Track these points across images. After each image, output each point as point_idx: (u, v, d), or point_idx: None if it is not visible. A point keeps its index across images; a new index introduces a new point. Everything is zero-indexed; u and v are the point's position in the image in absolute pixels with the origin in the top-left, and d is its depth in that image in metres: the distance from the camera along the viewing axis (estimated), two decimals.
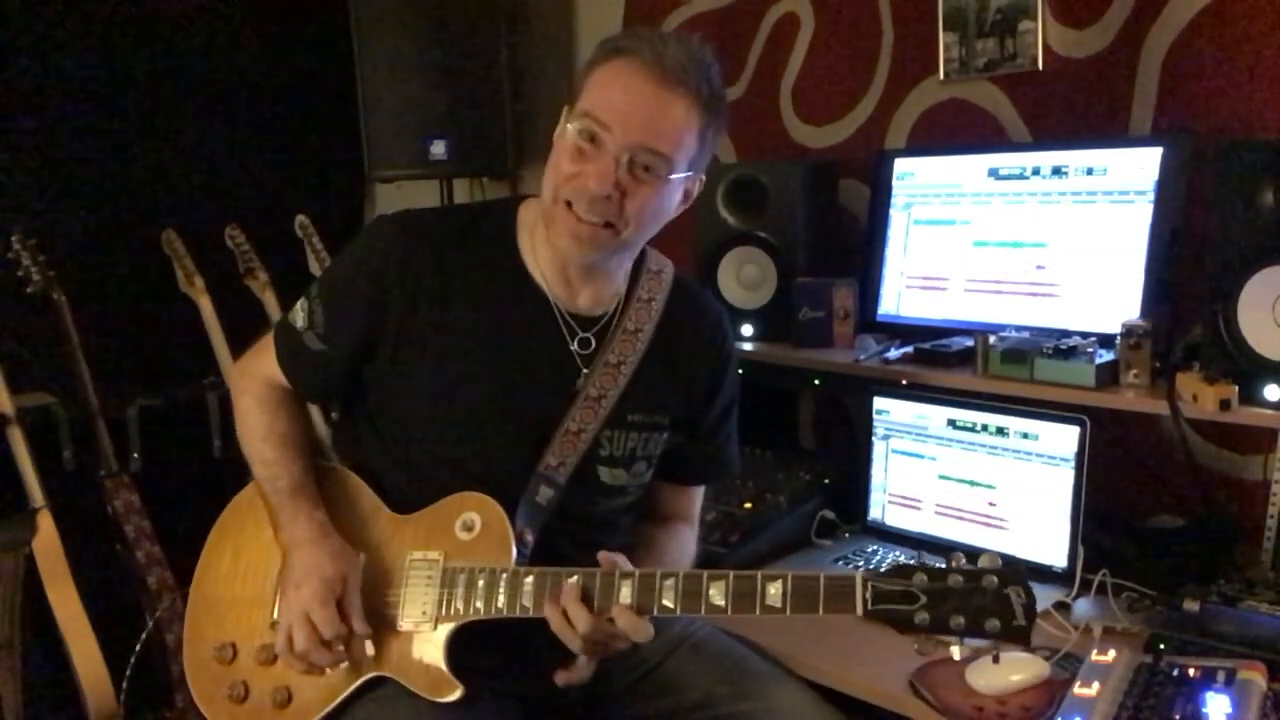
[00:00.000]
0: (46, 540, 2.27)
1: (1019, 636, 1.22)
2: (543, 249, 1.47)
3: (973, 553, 1.25)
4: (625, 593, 1.31)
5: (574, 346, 1.47)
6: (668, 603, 1.30)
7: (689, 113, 1.37)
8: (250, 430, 1.54)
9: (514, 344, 1.45)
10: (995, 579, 1.22)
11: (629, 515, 1.57)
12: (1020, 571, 1.23)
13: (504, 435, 1.44)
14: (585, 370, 1.46)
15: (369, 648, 1.39)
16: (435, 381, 1.44)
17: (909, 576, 1.25)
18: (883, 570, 1.28)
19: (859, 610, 1.25)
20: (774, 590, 1.27)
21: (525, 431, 1.44)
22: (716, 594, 1.29)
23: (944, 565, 1.25)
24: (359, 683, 1.39)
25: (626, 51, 1.38)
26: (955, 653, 1.24)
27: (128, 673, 2.18)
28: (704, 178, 1.49)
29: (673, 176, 1.39)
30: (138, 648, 2.21)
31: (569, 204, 1.38)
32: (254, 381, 1.55)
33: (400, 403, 1.47)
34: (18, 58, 2.76)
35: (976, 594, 1.22)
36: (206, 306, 2.63)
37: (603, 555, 1.35)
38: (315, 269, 2.76)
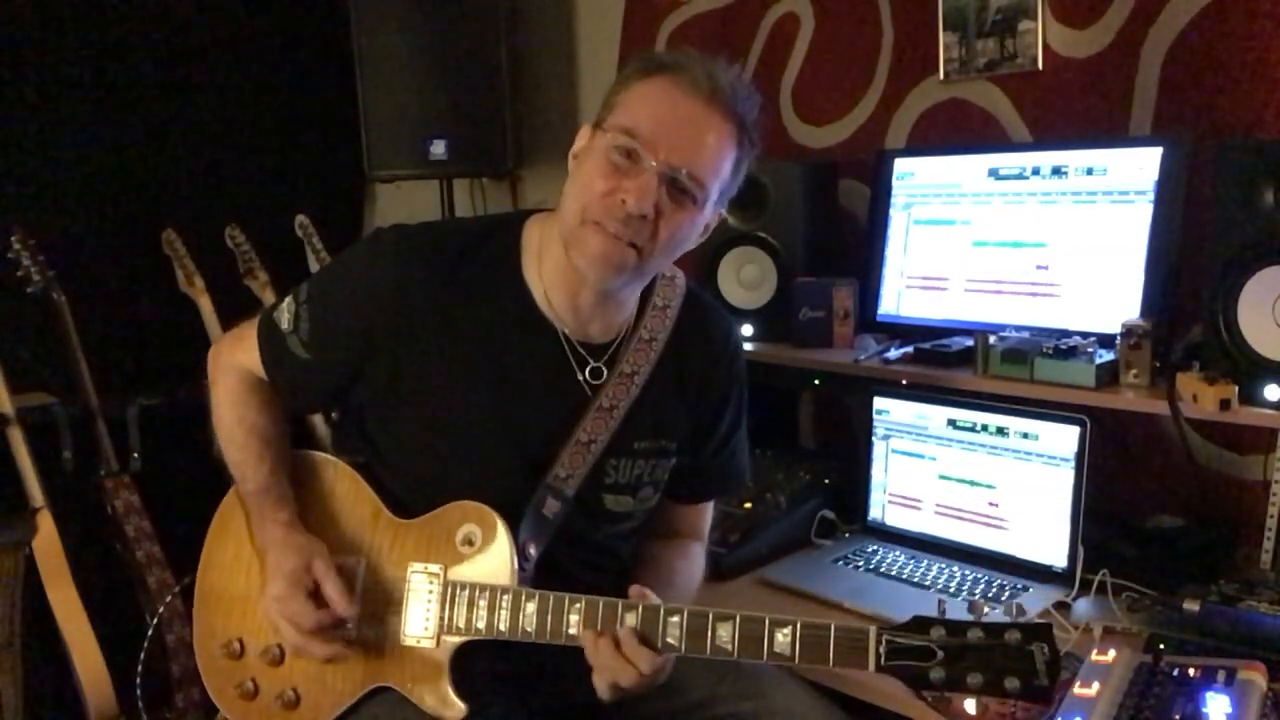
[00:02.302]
0: (46, 540, 2.26)
1: (1040, 696, 1.16)
2: (551, 274, 1.42)
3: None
4: (630, 624, 1.28)
5: (582, 376, 1.43)
6: (672, 640, 1.27)
7: (730, 139, 1.34)
8: (221, 424, 1.51)
9: (519, 373, 1.41)
10: (1019, 634, 1.16)
11: (633, 539, 1.55)
12: (1046, 626, 1.17)
13: (509, 450, 1.41)
14: (593, 394, 1.43)
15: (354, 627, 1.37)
16: (434, 410, 1.41)
17: (926, 630, 1.19)
18: (899, 623, 1.21)
19: (871, 666, 1.20)
20: (782, 637, 1.23)
21: (532, 444, 1.41)
22: (724, 636, 1.25)
23: (964, 619, 1.20)
24: (366, 690, 1.39)
25: (673, 68, 1.33)
26: (970, 707, 1.21)
27: (138, 680, 2.18)
28: (723, 212, 1.44)
29: (706, 205, 1.36)
30: (143, 654, 2.20)
31: (598, 224, 1.32)
32: (228, 372, 1.52)
33: (396, 424, 1.44)
34: (17, 57, 2.76)
35: (997, 651, 1.16)
36: (206, 306, 2.63)
37: (634, 589, 1.32)
38: (315, 269, 2.75)
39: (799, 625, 1.23)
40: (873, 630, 1.20)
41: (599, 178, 1.32)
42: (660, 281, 1.50)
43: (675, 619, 1.27)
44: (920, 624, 1.20)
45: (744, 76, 1.37)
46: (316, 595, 1.36)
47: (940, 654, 1.18)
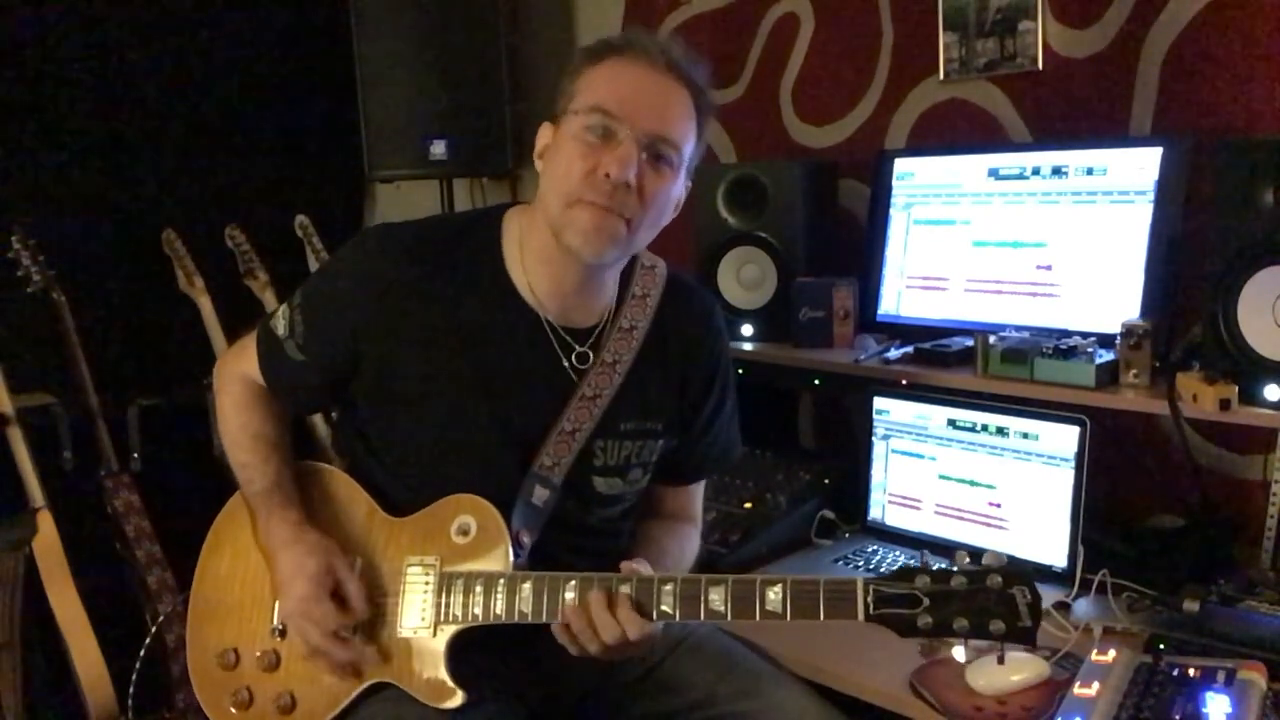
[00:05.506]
0: (46, 540, 2.27)
1: (1024, 637, 1.20)
2: (533, 262, 1.44)
3: (976, 552, 1.25)
4: (625, 592, 1.30)
5: (569, 361, 1.45)
6: (666, 607, 1.29)
7: (691, 105, 1.40)
8: (227, 430, 1.54)
9: (504, 360, 1.43)
10: (1000, 579, 1.20)
11: (626, 522, 1.56)
12: (1025, 571, 1.22)
13: (497, 440, 1.42)
14: (579, 379, 1.45)
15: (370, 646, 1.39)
16: (423, 401, 1.42)
17: (911, 579, 1.23)
18: (885, 573, 1.25)
19: (860, 616, 1.24)
20: (773, 595, 1.26)
21: (518, 434, 1.43)
22: (716, 599, 1.28)
23: (947, 566, 1.24)
24: (362, 687, 1.39)
25: (624, 48, 1.39)
26: (959, 654, 1.24)
27: (134, 679, 2.18)
28: (690, 183, 1.48)
29: (681, 170, 1.40)
30: (141, 655, 2.20)
31: (585, 202, 1.35)
32: (232, 381, 1.55)
33: (388, 419, 1.46)
34: (18, 57, 2.76)
35: (980, 595, 1.21)
36: (206, 306, 2.64)
37: (624, 565, 1.34)
38: (315, 269, 2.76)
39: (789, 582, 1.27)
40: (860, 580, 1.25)
41: (577, 159, 1.35)
42: (640, 271, 1.52)
43: (669, 587, 1.30)
44: (905, 573, 1.25)
45: (689, 49, 1.43)
46: (336, 598, 1.37)
47: (926, 601, 1.22)
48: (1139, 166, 1.82)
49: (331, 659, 1.38)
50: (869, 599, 1.24)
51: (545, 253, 1.42)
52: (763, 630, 1.56)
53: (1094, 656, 1.41)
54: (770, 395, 2.26)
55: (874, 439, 2.01)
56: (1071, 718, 1.27)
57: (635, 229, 1.38)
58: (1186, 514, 1.87)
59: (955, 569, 1.23)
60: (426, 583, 1.38)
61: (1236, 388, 1.53)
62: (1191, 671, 1.35)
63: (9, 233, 2.47)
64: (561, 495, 1.43)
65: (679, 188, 1.43)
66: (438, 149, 2.80)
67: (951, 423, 1.90)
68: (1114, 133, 1.97)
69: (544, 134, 1.44)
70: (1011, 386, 1.77)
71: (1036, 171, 1.95)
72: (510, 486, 1.41)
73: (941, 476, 1.92)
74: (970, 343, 1.85)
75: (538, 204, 1.43)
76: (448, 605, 1.37)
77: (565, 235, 1.37)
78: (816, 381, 2.10)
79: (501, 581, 1.35)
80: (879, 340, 2.03)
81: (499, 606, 1.34)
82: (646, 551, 1.49)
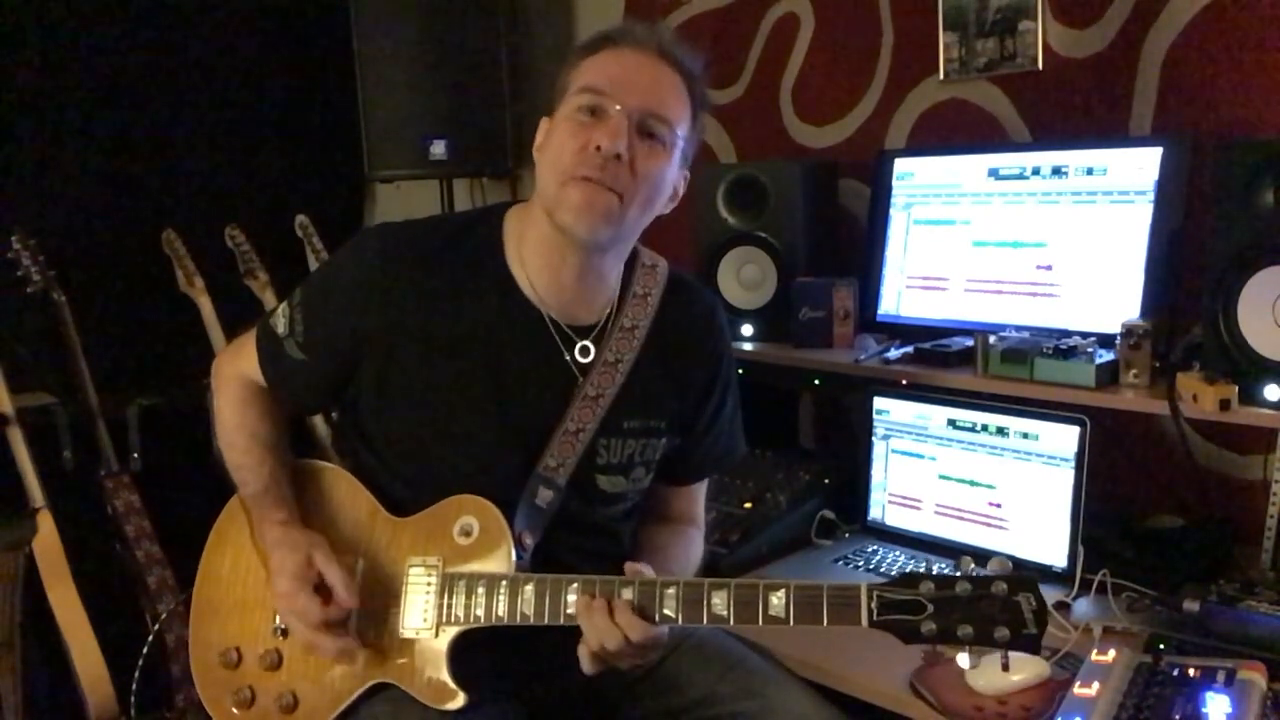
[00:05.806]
0: (46, 540, 2.27)
1: (1029, 645, 1.19)
2: (532, 258, 1.44)
3: (981, 555, 1.24)
4: (627, 597, 1.30)
5: (571, 356, 1.44)
6: (669, 611, 1.29)
7: (683, 90, 1.41)
8: (223, 430, 1.53)
9: (506, 358, 1.43)
10: (1005, 585, 1.19)
11: (629, 521, 1.56)
12: (1031, 578, 1.21)
13: (500, 440, 1.42)
14: (582, 376, 1.44)
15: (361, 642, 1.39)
16: (424, 400, 1.42)
17: (915, 585, 1.22)
18: (888, 579, 1.24)
19: (864, 622, 1.23)
20: (776, 600, 1.26)
21: (522, 434, 1.42)
22: (719, 603, 1.27)
23: (951, 572, 1.23)
24: (364, 688, 1.39)
25: (617, 38, 1.41)
26: (963, 661, 1.23)
27: (134, 679, 2.18)
28: (688, 174, 1.48)
29: (675, 150, 1.40)
30: (143, 655, 2.20)
31: (577, 179, 1.35)
32: (229, 380, 1.54)
33: (390, 418, 1.45)
34: (18, 57, 2.76)
35: (985, 601, 1.19)
36: (206, 306, 2.64)
37: (628, 567, 1.34)
38: (315, 268, 2.76)
39: (792, 587, 1.26)
40: (864, 586, 1.23)
41: (569, 138, 1.37)
42: (641, 270, 1.52)
43: (671, 590, 1.29)
44: (909, 579, 1.23)
45: (685, 41, 1.45)
46: (322, 590, 1.37)
47: (930, 607, 1.21)
48: (1139, 166, 1.82)
49: (322, 650, 1.37)
50: (873, 604, 1.22)
51: (544, 244, 1.42)
52: (764, 630, 1.55)
53: (1094, 656, 1.41)
54: (770, 395, 2.26)
55: (874, 439, 2.01)
56: (1071, 718, 1.27)
57: (628, 204, 1.37)
58: (1186, 514, 1.87)
59: (959, 575, 1.22)
60: (429, 584, 1.38)
61: (1236, 388, 1.53)
62: (1191, 671, 1.35)
63: (9, 233, 2.47)
64: (565, 495, 1.43)
65: (674, 170, 1.42)
66: (438, 149, 2.80)
67: (951, 423, 1.90)
68: (1114, 133, 1.97)
69: (542, 129, 1.46)
70: (1011, 386, 1.77)
71: (1036, 171, 1.95)
72: (514, 486, 1.41)
73: (941, 476, 1.92)
74: (970, 343, 1.85)
75: (535, 194, 1.43)
76: (450, 606, 1.36)
77: (559, 213, 1.37)
78: (816, 381, 2.10)
79: (504, 583, 1.35)
80: (879, 340, 2.03)
81: (501, 608, 1.34)
82: (652, 558, 1.47)
